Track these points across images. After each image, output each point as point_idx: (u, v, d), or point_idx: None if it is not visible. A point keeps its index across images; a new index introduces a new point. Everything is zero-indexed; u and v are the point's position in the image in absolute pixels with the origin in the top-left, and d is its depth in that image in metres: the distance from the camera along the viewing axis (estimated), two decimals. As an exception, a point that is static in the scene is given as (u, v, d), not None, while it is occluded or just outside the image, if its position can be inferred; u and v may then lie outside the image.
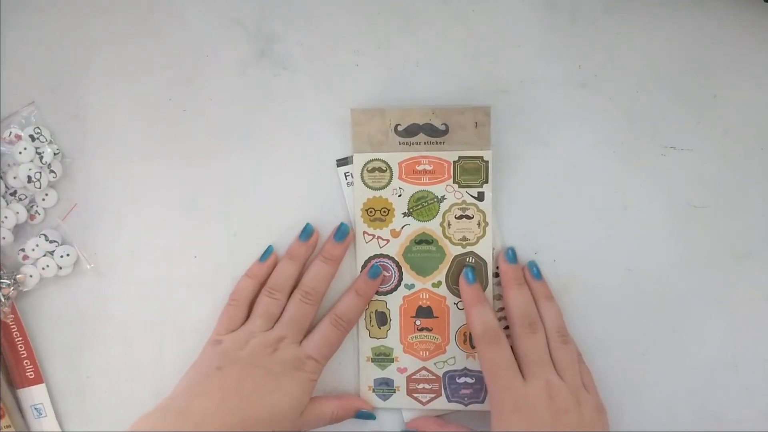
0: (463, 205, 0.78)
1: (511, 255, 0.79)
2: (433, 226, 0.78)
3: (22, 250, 0.80)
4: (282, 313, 0.78)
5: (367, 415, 0.81)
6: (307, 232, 0.80)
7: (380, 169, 0.78)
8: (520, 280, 0.79)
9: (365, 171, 0.78)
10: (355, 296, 0.79)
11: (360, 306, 0.79)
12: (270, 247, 0.81)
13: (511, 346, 0.76)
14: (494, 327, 0.75)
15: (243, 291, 0.80)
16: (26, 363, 0.81)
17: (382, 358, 0.80)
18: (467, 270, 0.79)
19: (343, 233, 0.79)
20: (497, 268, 0.79)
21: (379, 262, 0.79)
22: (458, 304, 0.80)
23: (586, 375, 0.78)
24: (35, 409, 0.81)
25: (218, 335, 0.78)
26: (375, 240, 0.79)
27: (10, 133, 0.78)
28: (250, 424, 0.70)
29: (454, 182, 0.78)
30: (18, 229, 0.80)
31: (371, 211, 0.78)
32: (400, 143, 0.77)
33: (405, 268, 0.79)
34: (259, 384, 0.73)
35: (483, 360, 0.76)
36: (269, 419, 0.72)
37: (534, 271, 0.79)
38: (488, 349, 0.75)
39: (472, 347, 0.80)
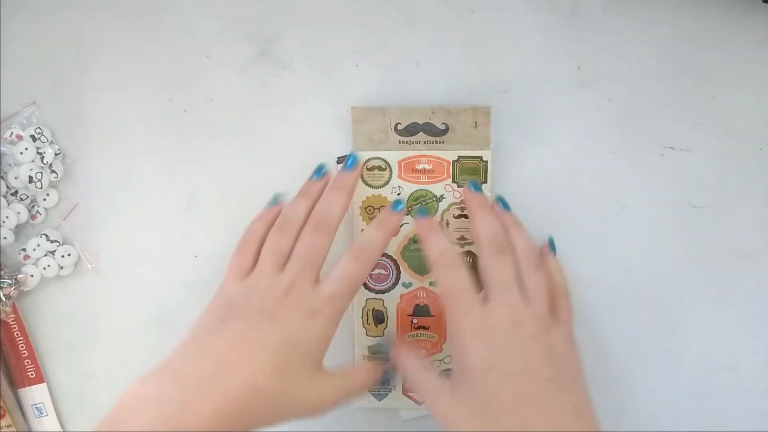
0: (462, 205, 0.78)
1: (473, 186, 0.76)
2: (431, 225, 0.79)
3: (23, 249, 0.80)
4: (293, 249, 0.72)
5: (385, 381, 0.79)
6: (319, 171, 0.77)
7: (380, 168, 0.78)
8: (487, 206, 0.75)
9: (365, 169, 0.78)
10: (378, 228, 0.75)
11: (383, 239, 0.74)
12: (277, 194, 0.78)
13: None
14: (450, 250, 0.72)
15: (257, 231, 0.75)
16: (27, 362, 0.81)
17: (378, 357, 0.80)
18: (420, 208, 0.77)
19: (354, 161, 0.76)
20: (455, 216, 0.79)
21: (377, 261, 0.79)
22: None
23: (566, 310, 0.73)
24: (36, 408, 0.81)
25: (227, 282, 0.73)
26: (374, 238, 0.79)
27: (12, 133, 0.79)
28: (254, 382, 0.64)
29: (453, 181, 0.78)
30: (19, 229, 0.81)
31: (370, 209, 0.78)
32: (400, 142, 0.77)
33: (403, 266, 0.79)
34: (264, 336, 0.67)
35: (440, 285, 0.73)
36: (280, 374, 0.65)
37: (501, 204, 0.77)
38: (445, 273, 0.71)
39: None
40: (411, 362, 0.73)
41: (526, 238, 0.74)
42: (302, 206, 0.74)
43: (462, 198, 0.78)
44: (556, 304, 0.72)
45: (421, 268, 0.79)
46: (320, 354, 0.69)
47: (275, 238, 0.73)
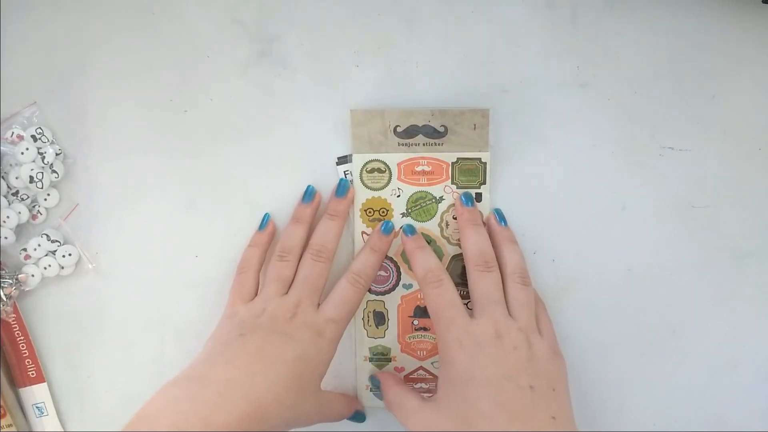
0: (461, 206, 0.78)
1: (466, 199, 0.78)
2: (431, 227, 0.79)
3: (24, 249, 0.80)
4: (295, 275, 0.77)
5: (359, 417, 0.82)
6: (309, 194, 0.79)
7: (379, 170, 0.78)
8: (476, 221, 0.78)
9: (364, 171, 0.78)
10: (371, 252, 0.78)
11: (376, 262, 0.78)
12: (267, 214, 0.81)
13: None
14: (436, 268, 0.75)
15: (251, 259, 0.80)
16: (28, 362, 0.81)
17: (380, 357, 0.80)
18: (406, 226, 0.79)
19: (344, 188, 0.79)
20: (454, 217, 0.79)
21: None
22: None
23: (546, 324, 0.76)
24: (37, 408, 0.82)
25: (233, 307, 0.77)
26: (373, 240, 0.79)
27: (12, 133, 0.79)
28: (276, 390, 0.67)
29: (453, 183, 0.78)
30: (20, 229, 0.81)
31: (370, 212, 0.79)
32: (399, 144, 0.77)
33: (403, 268, 0.79)
34: (281, 350, 0.70)
35: (427, 301, 0.74)
36: (296, 386, 0.69)
37: (498, 217, 0.79)
38: (431, 290, 0.74)
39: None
40: (393, 386, 0.77)
41: (516, 255, 0.77)
42: (298, 233, 0.79)
43: (454, 216, 0.79)
44: (539, 318, 0.76)
45: (421, 269, 0.79)
46: (324, 372, 0.74)
47: (277, 265, 0.77)
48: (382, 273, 0.79)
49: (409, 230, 0.78)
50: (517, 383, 0.67)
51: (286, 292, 0.76)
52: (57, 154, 0.79)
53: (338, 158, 0.79)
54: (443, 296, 0.73)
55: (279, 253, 0.78)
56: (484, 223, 0.79)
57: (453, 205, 0.78)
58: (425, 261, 0.76)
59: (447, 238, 0.79)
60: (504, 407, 0.66)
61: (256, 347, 0.70)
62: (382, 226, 0.79)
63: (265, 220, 0.81)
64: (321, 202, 0.80)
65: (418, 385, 0.81)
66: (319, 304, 0.76)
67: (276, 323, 0.73)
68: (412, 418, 0.72)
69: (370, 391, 0.81)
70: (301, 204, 0.79)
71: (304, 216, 0.79)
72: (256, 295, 0.78)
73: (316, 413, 0.73)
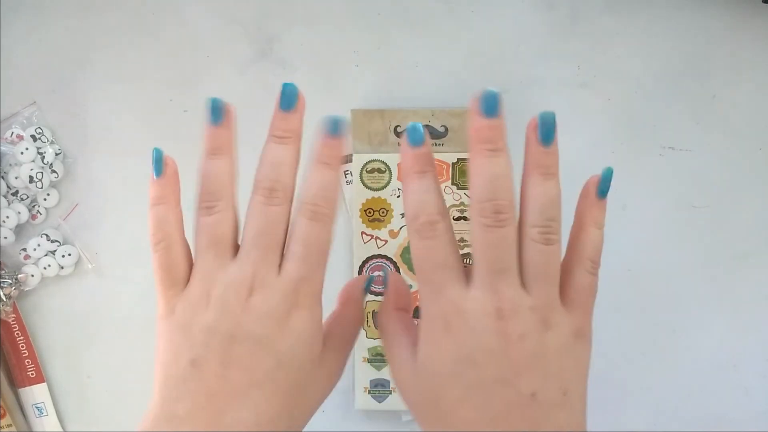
0: (462, 207, 0.78)
1: (492, 100, 0.51)
2: (431, 227, 0.78)
3: (24, 249, 0.80)
4: (241, 231, 0.55)
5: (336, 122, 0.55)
6: (217, 110, 0.58)
7: (379, 170, 0.78)
8: (497, 143, 0.52)
9: (364, 171, 0.78)
10: (324, 168, 0.54)
11: (334, 179, 0.54)
12: (156, 149, 0.56)
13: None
14: (433, 212, 0.51)
15: (165, 224, 0.55)
16: (27, 362, 0.81)
17: (379, 358, 0.80)
18: (412, 125, 0.53)
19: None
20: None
21: (377, 263, 0.79)
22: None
23: (584, 291, 0.55)
24: (36, 408, 0.81)
25: (166, 299, 0.54)
26: (373, 240, 0.79)
27: (12, 133, 0.79)
28: (257, 422, 0.50)
29: (453, 184, 0.78)
30: (20, 229, 0.81)
31: (370, 212, 0.78)
32: (399, 144, 0.77)
33: (403, 268, 0.79)
34: (252, 371, 0.51)
35: (414, 255, 0.52)
36: (286, 404, 0.52)
37: (543, 132, 0.54)
38: (419, 241, 0.51)
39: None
40: (391, 318, 0.58)
41: (548, 196, 0.53)
42: (222, 168, 0.57)
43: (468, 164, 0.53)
44: (572, 282, 0.54)
45: (421, 270, 0.78)
46: (316, 348, 0.54)
47: (205, 222, 0.55)
48: (381, 273, 0.79)
49: (415, 135, 0.52)
50: (516, 389, 0.49)
51: (232, 258, 0.54)
52: (57, 154, 0.79)
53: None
54: (435, 252, 0.51)
55: (203, 203, 0.55)
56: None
57: (453, 206, 0.78)
58: (421, 196, 0.52)
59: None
60: (493, 417, 0.49)
61: (216, 377, 0.51)
62: (328, 127, 0.54)
63: (159, 160, 0.56)
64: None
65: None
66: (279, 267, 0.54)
67: (229, 319, 0.51)
68: (394, 366, 0.55)
69: (368, 393, 0.81)
70: (210, 126, 0.57)
71: (221, 143, 0.57)
72: (191, 270, 0.55)
73: (325, 386, 0.56)
